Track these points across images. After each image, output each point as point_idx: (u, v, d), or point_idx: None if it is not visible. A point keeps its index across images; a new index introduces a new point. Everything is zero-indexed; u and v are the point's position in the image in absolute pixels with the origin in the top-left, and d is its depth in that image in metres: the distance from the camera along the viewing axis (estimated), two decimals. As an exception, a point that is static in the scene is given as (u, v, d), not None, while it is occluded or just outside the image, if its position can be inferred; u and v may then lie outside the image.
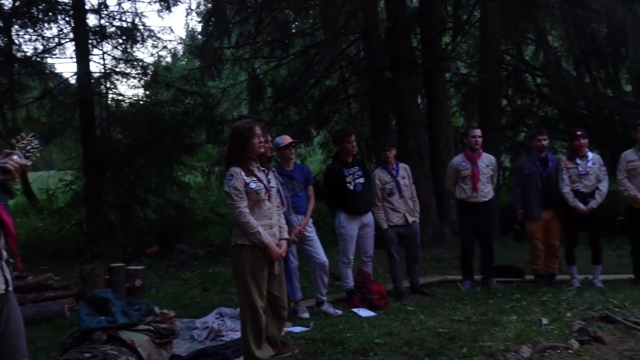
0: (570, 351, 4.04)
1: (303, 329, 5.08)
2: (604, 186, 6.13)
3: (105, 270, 6.53)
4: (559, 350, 4.06)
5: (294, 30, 12.97)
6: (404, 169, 6.26)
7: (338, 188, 5.89)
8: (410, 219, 6.13)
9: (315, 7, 11.48)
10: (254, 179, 3.91)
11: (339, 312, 5.60)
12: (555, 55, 12.31)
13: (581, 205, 6.04)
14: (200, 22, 14.81)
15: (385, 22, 10.42)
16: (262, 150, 4.03)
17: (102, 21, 12.45)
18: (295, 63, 12.68)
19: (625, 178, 6.12)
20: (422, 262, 7.24)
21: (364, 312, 5.55)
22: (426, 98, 11.29)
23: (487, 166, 6.43)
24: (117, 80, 13.28)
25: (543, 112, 12.70)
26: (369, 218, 6.00)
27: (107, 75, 12.78)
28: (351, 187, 5.85)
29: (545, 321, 4.82)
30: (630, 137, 6.45)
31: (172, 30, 24.14)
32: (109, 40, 12.62)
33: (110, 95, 12.94)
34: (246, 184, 3.86)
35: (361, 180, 5.94)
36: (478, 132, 6.48)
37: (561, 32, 11.27)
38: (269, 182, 4.04)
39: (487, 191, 6.38)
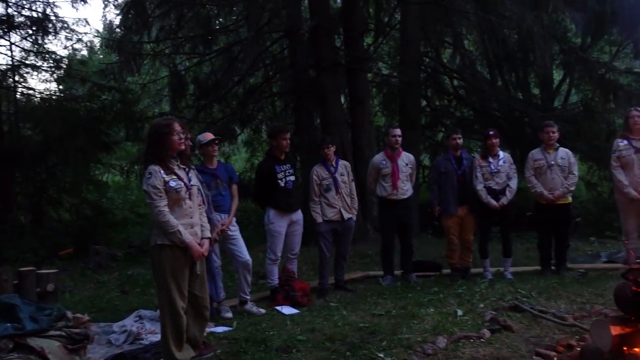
0: (482, 340, 4.25)
1: (226, 328, 5.02)
2: (513, 183, 6.50)
3: (13, 275, 6.12)
4: (472, 340, 4.25)
5: (217, 27, 12.75)
6: (344, 166, 6.37)
7: (269, 184, 5.90)
8: (346, 216, 6.23)
9: (238, 3, 11.36)
10: (174, 177, 3.82)
11: (263, 310, 5.58)
12: (471, 58, 12.90)
13: (493, 202, 6.39)
14: (118, 14, 14.22)
15: (308, 22, 10.49)
16: (182, 147, 3.93)
17: (10, 10, 11.67)
18: (219, 60, 12.50)
19: (533, 176, 6.52)
20: (348, 258, 7.38)
21: (288, 310, 5.57)
22: (349, 97, 11.48)
23: (407, 165, 6.64)
24: (27, 73, 12.48)
25: (460, 112, 13.26)
26: (298, 215, 6.04)
27: (15, 67, 12.00)
28: (282, 184, 5.88)
29: (460, 312, 5.04)
30: (538, 137, 6.87)
31: (87, 22, 22.84)
32: (17, 30, 11.84)
33: (19, 89, 12.15)
34: (165, 183, 3.76)
35: (292, 177, 6.00)
36: (398, 131, 6.68)
37: (476, 37, 11.80)
38: (189, 180, 3.96)
39: (406, 189, 6.58)
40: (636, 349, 3.21)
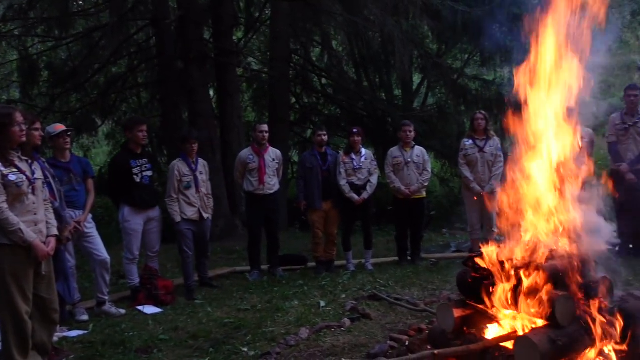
0: (342, 329, 4.45)
1: (81, 332, 4.73)
2: (374, 179, 6.84)
3: None
4: (333, 329, 4.43)
5: (75, 9, 11.83)
6: (202, 164, 6.20)
7: (123, 180, 5.61)
8: (205, 215, 6.10)
9: (99, -15, 10.66)
10: (14, 170, 3.48)
11: (122, 311, 5.33)
12: (339, 58, 13.30)
13: (355, 196, 6.67)
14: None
15: (176, 11, 10.14)
16: (23, 139, 3.58)
17: None
18: (77, 45, 11.62)
19: (391, 172, 6.91)
20: (213, 254, 7.30)
21: (150, 309, 5.37)
22: (218, 91, 11.30)
23: (274, 160, 6.70)
24: None
25: (327, 110, 13.63)
26: (155, 212, 5.82)
27: None
28: (138, 180, 5.62)
29: (323, 303, 5.22)
30: (397, 136, 7.26)
31: None
32: None
33: None
34: (4, 176, 3.42)
35: (149, 173, 5.74)
36: (265, 127, 6.71)
37: (344, 38, 12.19)
38: (33, 173, 3.64)
39: (273, 184, 6.65)
40: (474, 329, 3.54)
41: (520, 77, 3.57)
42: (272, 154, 6.72)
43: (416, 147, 6.98)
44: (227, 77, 10.47)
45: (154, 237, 5.84)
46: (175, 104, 10.25)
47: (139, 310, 5.35)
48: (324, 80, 13.55)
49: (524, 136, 3.65)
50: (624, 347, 3.14)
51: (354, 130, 6.89)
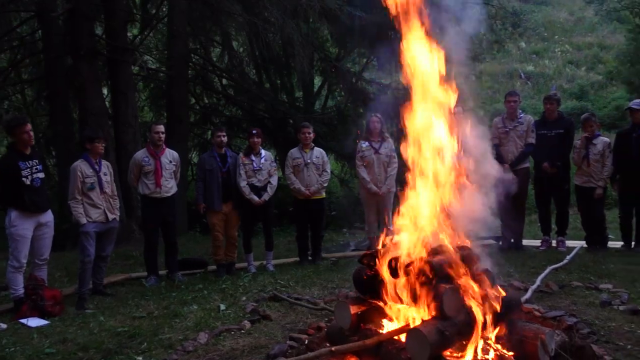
0: (242, 331, 4.41)
1: (-47, 352, 4.31)
2: (274, 180, 6.86)
3: None
4: (233, 332, 4.38)
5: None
6: (106, 165, 5.98)
7: (11, 182, 5.23)
8: (110, 217, 5.87)
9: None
10: None
11: (4, 325, 4.93)
12: (239, 59, 13.19)
13: (256, 198, 6.65)
14: None
15: (64, 3, 9.55)
16: None
17: None
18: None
19: (292, 173, 6.97)
20: (109, 260, 6.94)
21: (35, 322, 5.01)
22: (112, 89, 10.79)
23: (170, 162, 6.52)
24: None
25: (228, 111, 13.48)
26: (47, 217, 5.48)
27: None
28: (27, 182, 5.26)
29: (223, 307, 5.14)
30: (297, 137, 7.34)
31: None
32: None
33: None
34: None
35: (40, 175, 5.39)
36: (161, 127, 6.51)
37: (244, 38, 12.11)
38: None
39: (170, 186, 6.47)
40: (370, 325, 3.66)
41: (407, 82, 3.74)
42: (169, 155, 6.54)
43: (316, 148, 7.10)
44: (121, 74, 10.03)
45: (44, 243, 5.48)
46: (64, 102, 9.66)
47: (23, 324, 4.98)
48: (224, 81, 13.38)
49: (415, 137, 3.82)
50: (503, 332, 3.39)
51: (253, 132, 6.87)
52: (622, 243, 7.06)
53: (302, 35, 9.26)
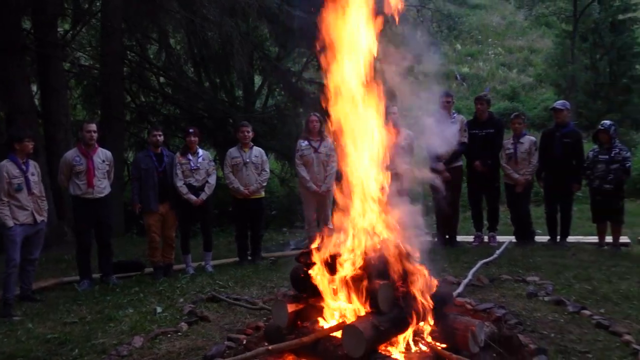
0: (179, 333, 4.35)
1: None
2: (212, 180, 6.79)
3: None
4: (169, 335, 4.31)
5: None
6: (33, 165, 5.73)
7: None
8: (39, 218, 5.66)
9: None
10: None
11: None
12: (177, 57, 12.90)
13: (193, 197, 6.56)
14: None
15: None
16: None
17: None
18: None
19: (230, 172, 6.92)
20: (38, 265, 6.64)
21: (-45, 331, 4.74)
22: (42, 86, 10.31)
23: (103, 161, 6.33)
24: None
25: (166, 110, 13.17)
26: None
27: None
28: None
29: (159, 309, 5.05)
30: (235, 136, 7.28)
31: None
32: None
33: None
34: None
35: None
36: (93, 126, 6.30)
37: (182, 36, 11.85)
38: None
39: (103, 187, 6.28)
40: (308, 323, 3.69)
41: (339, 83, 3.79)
42: (102, 155, 6.34)
43: (254, 147, 7.07)
44: (52, 71, 9.62)
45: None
46: (-12, 99, 9.15)
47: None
48: (162, 79, 13.06)
49: (351, 137, 3.87)
50: (436, 326, 3.51)
51: (190, 131, 6.77)
52: (548, 237, 7.42)
53: (241, 34, 9.18)
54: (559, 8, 24.45)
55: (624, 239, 7.32)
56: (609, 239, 7.08)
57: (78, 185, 6.14)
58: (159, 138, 6.60)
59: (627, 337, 3.79)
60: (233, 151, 6.99)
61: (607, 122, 7.05)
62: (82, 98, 13.20)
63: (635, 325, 4.07)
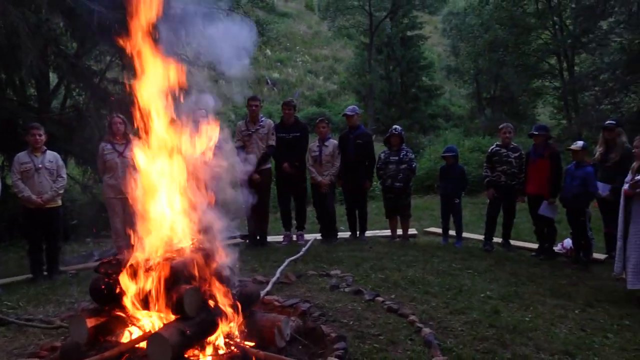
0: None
1: None
2: None
3: None
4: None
5: None
6: None
7: None
8: None
9: None
10: None
11: None
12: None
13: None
14: None
15: None
16: None
17: None
18: None
19: (19, 180, 6.22)
20: None
21: None
22: None
23: None
24: None
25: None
26: None
27: None
28: None
29: None
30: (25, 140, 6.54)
31: None
32: None
33: None
34: None
35: None
36: None
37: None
38: None
39: None
40: (112, 336, 3.49)
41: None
42: None
43: (48, 151, 6.46)
44: None
45: None
46: None
47: None
48: None
49: (157, 141, 3.76)
50: (244, 325, 3.59)
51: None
52: (349, 233, 8.04)
53: (30, 26, 8.26)
54: (358, 21, 26.62)
55: (412, 231, 8.27)
56: (400, 232, 7.93)
57: None
58: None
59: (412, 317, 4.30)
60: (22, 156, 6.29)
61: (398, 127, 7.92)
62: None
63: (419, 307, 4.63)
